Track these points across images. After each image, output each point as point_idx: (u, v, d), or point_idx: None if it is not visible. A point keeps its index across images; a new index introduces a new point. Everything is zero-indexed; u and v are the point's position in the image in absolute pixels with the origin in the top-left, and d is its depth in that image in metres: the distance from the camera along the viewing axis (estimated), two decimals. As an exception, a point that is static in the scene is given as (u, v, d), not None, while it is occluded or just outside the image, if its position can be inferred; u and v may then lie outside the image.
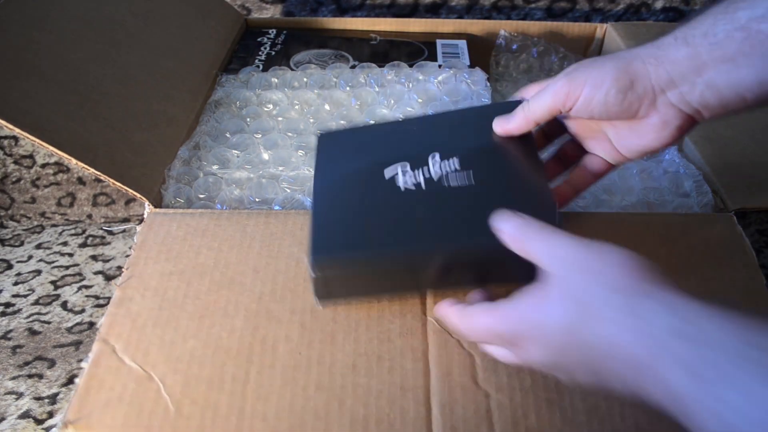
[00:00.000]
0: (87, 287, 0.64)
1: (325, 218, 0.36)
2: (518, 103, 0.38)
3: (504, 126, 0.38)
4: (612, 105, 0.33)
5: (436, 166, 0.38)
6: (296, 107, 0.61)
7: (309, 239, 0.35)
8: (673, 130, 0.34)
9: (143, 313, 0.39)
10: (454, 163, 0.38)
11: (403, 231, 0.35)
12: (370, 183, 0.38)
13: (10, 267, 0.67)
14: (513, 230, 0.32)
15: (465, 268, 0.36)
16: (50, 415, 0.51)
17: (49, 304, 0.62)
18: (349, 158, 0.41)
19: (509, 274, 0.35)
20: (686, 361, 0.22)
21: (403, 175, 0.38)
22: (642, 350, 0.24)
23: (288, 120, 0.59)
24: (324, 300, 0.38)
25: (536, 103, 0.36)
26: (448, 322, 0.34)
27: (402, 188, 0.37)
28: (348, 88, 0.62)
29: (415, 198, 0.36)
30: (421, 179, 0.37)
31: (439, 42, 0.71)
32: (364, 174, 0.38)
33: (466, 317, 0.32)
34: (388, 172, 0.38)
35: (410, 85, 0.62)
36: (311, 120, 0.59)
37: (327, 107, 0.60)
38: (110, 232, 0.72)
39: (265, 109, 0.61)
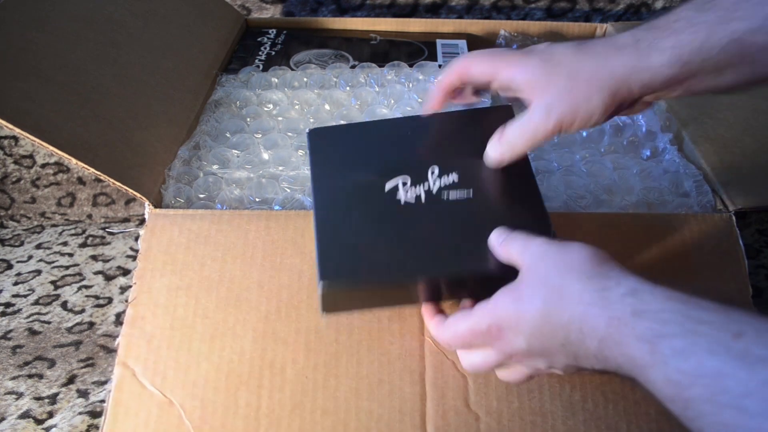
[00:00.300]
0: (87, 287, 0.64)
1: (331, 237, 0.37)
2: (508, 108, 0.40)
3: (495, 161, 0.38)
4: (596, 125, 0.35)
5: (435, 180, 0.39)
6: (296, 107, 0.61)
7: (316, 259, 0.36)
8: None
9: (156, 334, 0.41)
10: (452, 177, 0.39)
11: (406, 252, 0.36)
12: (371, 197, 0.39)
13: (10, 267, 0.67)
14: (498, 238, 0.35)
15: (466, 285, 0.37)
16: (50, 415, 0.51)
17: (49, 304, 0.62)
18: (346, 164, 0.41)
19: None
20: (645, 337, 0.26)
21: (404, 189, 0.39)
22: (609, 327, 0.27)
23: (288, 120, 0.59)
24: (330, 312, 0.39)
25: (520, 140, 0.36)
26: (433, 336, 0.36)
27: (402, 202, 0.38)
28: (348, 88, 0.62)
29: (415, 212, 0.38)
30: (421, 192, 0.38)
31: (439, 42, 0.71)
32: (364, 186, 0.39)
33: (447, 326, 0.34)
34: (388, 185, 0.39)
35: (410, 85, 0.62)
36: (311, 120, 0.59)
37: (327, 107, 0.60)
38: (110, 232, 0.72)
39: (265, 109, 0.61)
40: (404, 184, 0.39)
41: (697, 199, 0.49)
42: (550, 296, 0.29)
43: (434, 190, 0.38)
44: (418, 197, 0.38)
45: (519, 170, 0.39)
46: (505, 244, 0.34)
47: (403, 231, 0.37)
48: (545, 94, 0.34)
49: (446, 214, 0.37)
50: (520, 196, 0.38)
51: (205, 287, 0.42)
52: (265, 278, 0.43)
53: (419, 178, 0.39)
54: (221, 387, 0.39)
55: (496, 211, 0.37)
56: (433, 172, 0.39)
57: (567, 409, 0.37)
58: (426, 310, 0.38)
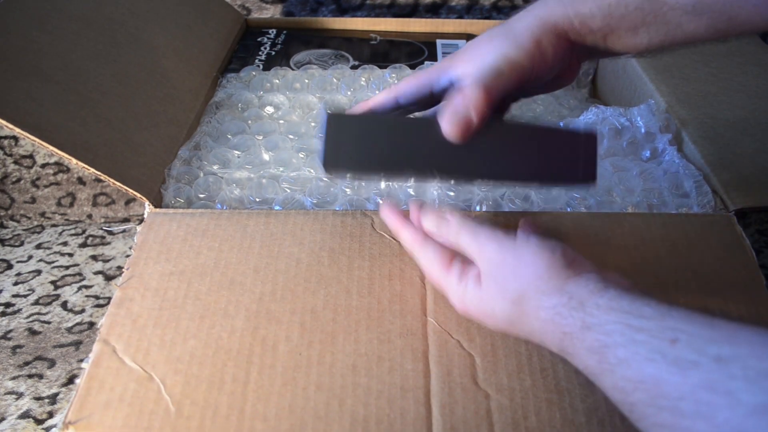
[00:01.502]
0: (87, 287, 0.64)
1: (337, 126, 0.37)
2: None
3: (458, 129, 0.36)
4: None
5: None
6: (298, 111, 0.61)
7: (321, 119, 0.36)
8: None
9: (143, 314, 0.39)
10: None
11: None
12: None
13: (10, 267, 0.67)
14: (440, 218, 0.38)
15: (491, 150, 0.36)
16: (50, 415, 0.51)
17: (49, 304, 0.62)
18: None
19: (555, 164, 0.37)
20: (594, 348, 0.28)
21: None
22: (563, 342, 0.30)
23: (289, 123, 0.59)
24: (331, 168, 0.37)
25: (474, 97, 0.35)
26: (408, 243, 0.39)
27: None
28: (350, 93, 0.62)
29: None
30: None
31: (439, 42, 0.71)
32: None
33: (427, 251, 0.38)
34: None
35: (410, 86, 0.62)
36: (312, 124, 0.59)
37: (329, 111, 0.60)
38: (110, 232, 0.72)
39: (267, 111, 0.61)
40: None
41: (697, 199, 0.49)
42: (512, 310, 0.32)
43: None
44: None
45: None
46: (453, 233, 0.36)
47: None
48: (478, 54, 0.36)
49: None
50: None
51: (198, 273, 0.42)
52: (262, 264, 0.42)
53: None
54: (207, 362, 0.37)
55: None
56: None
57: (585, 387, 0.35)
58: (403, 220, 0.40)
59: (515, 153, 0.37)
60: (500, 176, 0.38)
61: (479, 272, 0.34)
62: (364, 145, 0.37)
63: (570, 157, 0.37)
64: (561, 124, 0.56)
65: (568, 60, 0.37)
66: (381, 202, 0.38)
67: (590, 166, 0.37)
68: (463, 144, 0.35)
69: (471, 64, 0.36)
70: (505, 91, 0.35)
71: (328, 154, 0.36)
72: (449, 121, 0.35)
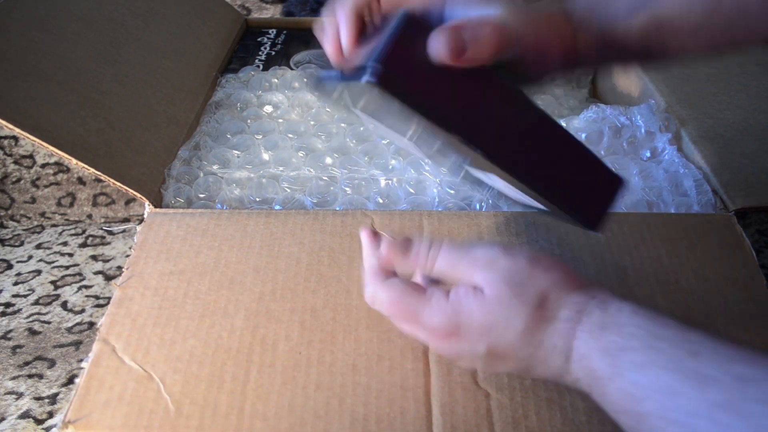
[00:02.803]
0: (87, 287, 0.64)
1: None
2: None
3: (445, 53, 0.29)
4: None
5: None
6: (297, 110, 0.61)
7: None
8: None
9: (143, 313, 0.39)
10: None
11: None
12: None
13: (10, 267, 0.67)
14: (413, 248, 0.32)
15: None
16: (50, 415, 0.51)
17: (49, 304, 0.62)
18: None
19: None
20: (609, 350, 0.27)
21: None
22: (579, 341, 0.28)
23: (288, 122, 0.59)
24: (383, 79, 0.27)
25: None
26: (367, 285, 0.33)
27: None
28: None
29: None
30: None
31: (439, 42, 0.71)
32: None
33: (390, 288, 0.31)
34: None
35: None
36: (312, 122, 0.59)
37: (328, 109, 0.60)
38: (110, 232, 0.72)
39: (266, 110, 0.61)
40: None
41: (697, 199, 0.49)
42: (532, 315, 0.29)
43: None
44: None
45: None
46: (426, 257, 0.32)
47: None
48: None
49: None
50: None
51: (198, 272, 0.42)
52: (262, 264, 0.42)
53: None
54: (207, 362, 0.37)
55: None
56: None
57: None
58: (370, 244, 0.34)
59: (541, 150, 0.32)
60: (518, 171, 0.31)
61: (473, 287, 0.30)
62: (429, 73, 0.28)
63: (587, 188, 0.32)
64: (562, 121, 0.56)
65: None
66: (364, 233, 0.34)
67: (601, 211, 0.33)
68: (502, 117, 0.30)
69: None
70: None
71: (387, 58, 0.27)
72: (445, 35, 0.28)
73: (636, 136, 0.56)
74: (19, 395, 0.53)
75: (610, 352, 0.27)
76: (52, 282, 0.65)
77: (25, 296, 0.63)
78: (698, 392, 0.23)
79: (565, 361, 0.29)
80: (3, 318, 0.61)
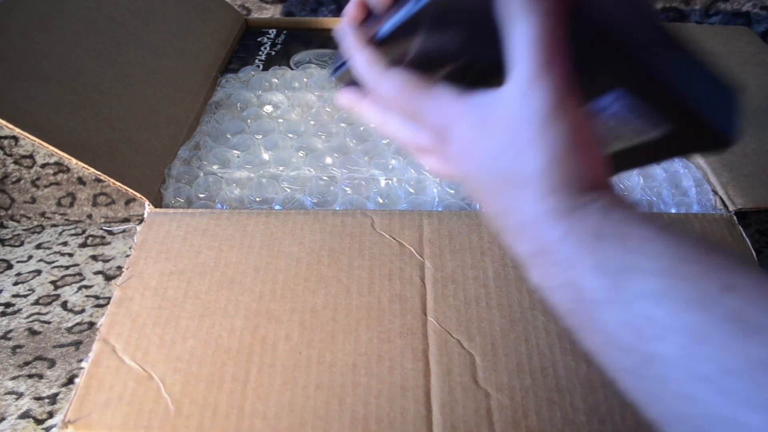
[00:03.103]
0: (87, 287, 0.64)
1: None
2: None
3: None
4: None
5: None
6: (297, 110, 0.61)
7: None
8: None
9: (143, 313, 0.39)
10: None
11: None
12: None
13: (10, 267, 0.67)
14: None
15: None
16: (50, 415, 0.51)
17: (49, 304, 0.62)
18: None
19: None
20: (608, 268, 0.20)
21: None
22: (562, 242, 0.21)
23: (288, 122, 0.59)
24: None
25: None
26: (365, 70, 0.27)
27: None
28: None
29: None
30: None
31: (439, 42, 0.71)
32: None
33: (393, 78, 0.26)
34: None
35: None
36: (311, 122, 0.59)
37: (328, 109, 0.60)
38: (110, 232, 0.72)
39: (266, 110, 0.61)
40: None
41: (697, 199, 0.49)
42: (506, 153, 0.22)
43: None
44: None
45: None
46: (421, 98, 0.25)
47: None
48: None
49: None
50: None
51: (198, 272, 0.42)
52: (262, 264, 0.42)
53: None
54: (207, 362, 0.37)
55: None
56: None
57: (585, 386, 0.36)
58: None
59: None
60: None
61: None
62: None
63: (713, 93, 0.27)
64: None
65: None
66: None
67: (733, 118, 0.26)
68: None
69: None
70: None
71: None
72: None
73: (636, 136, 0.56)
74: (19, 395, 0.53)
75: (608, 271, 0.20)
76: (52, 282, 0.65)
77: (25, 296, 0.63)
78: (735, 342, 0.17)
79: (537, 254, 0.22)
80: (3, 318, 0.61)
